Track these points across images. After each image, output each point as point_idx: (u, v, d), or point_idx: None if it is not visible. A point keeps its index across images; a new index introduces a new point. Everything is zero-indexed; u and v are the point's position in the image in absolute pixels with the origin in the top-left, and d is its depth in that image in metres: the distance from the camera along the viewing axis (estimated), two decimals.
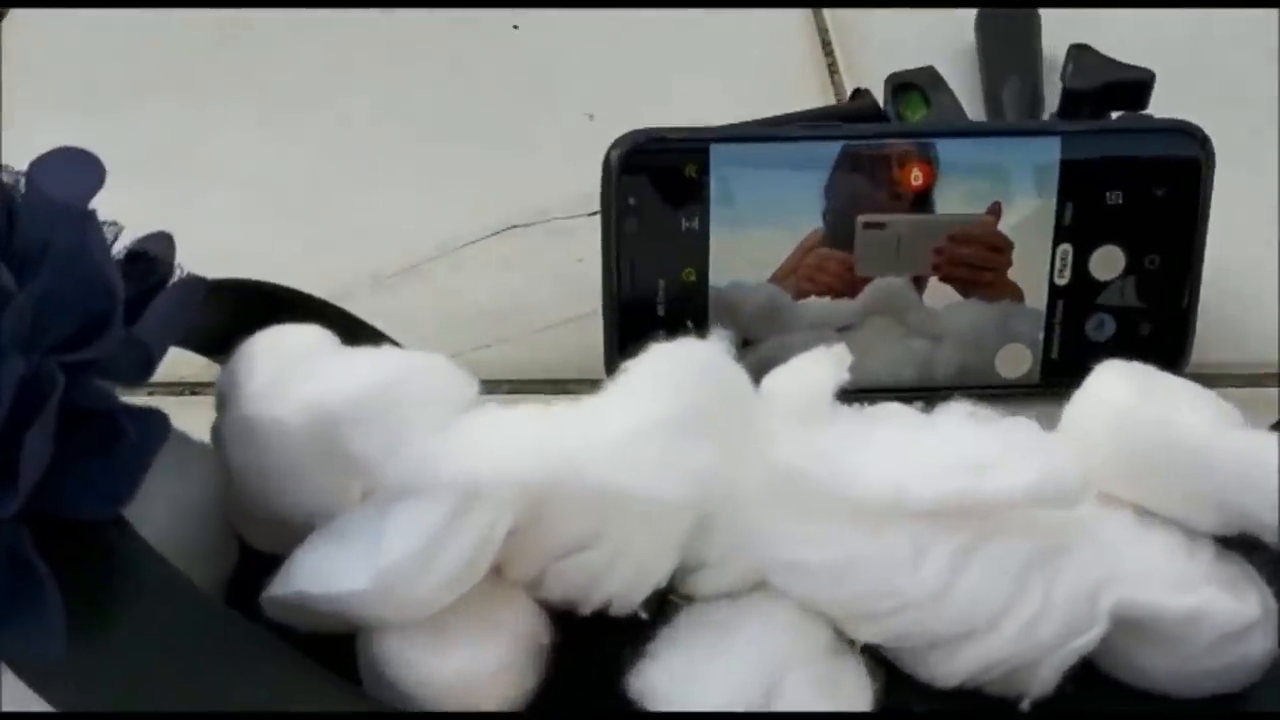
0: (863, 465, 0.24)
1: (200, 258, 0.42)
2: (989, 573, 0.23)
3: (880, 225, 0.37)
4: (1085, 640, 0.24)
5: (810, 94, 0.50)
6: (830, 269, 0.36)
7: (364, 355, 0.23)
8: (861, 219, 0.37)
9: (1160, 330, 0.38)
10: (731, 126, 0.36)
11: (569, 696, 0.25)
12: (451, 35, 0.53)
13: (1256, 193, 0.44)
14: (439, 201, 0.45)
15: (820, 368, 0.26)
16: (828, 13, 0.54)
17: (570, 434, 0.23)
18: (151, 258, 0.24)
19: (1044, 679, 0.24)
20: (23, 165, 0.25)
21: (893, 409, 0.27)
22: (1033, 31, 0.49)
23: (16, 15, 0.53)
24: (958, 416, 0.25)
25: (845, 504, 0.24)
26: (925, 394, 0.38)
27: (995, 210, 0.36)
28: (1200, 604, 0.23)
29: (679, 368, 0.23)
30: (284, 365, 0.23)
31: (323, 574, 0.23)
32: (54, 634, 0.21)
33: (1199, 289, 0.38)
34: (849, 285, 0.36)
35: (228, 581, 0.26)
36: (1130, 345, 0.38)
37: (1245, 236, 0.41)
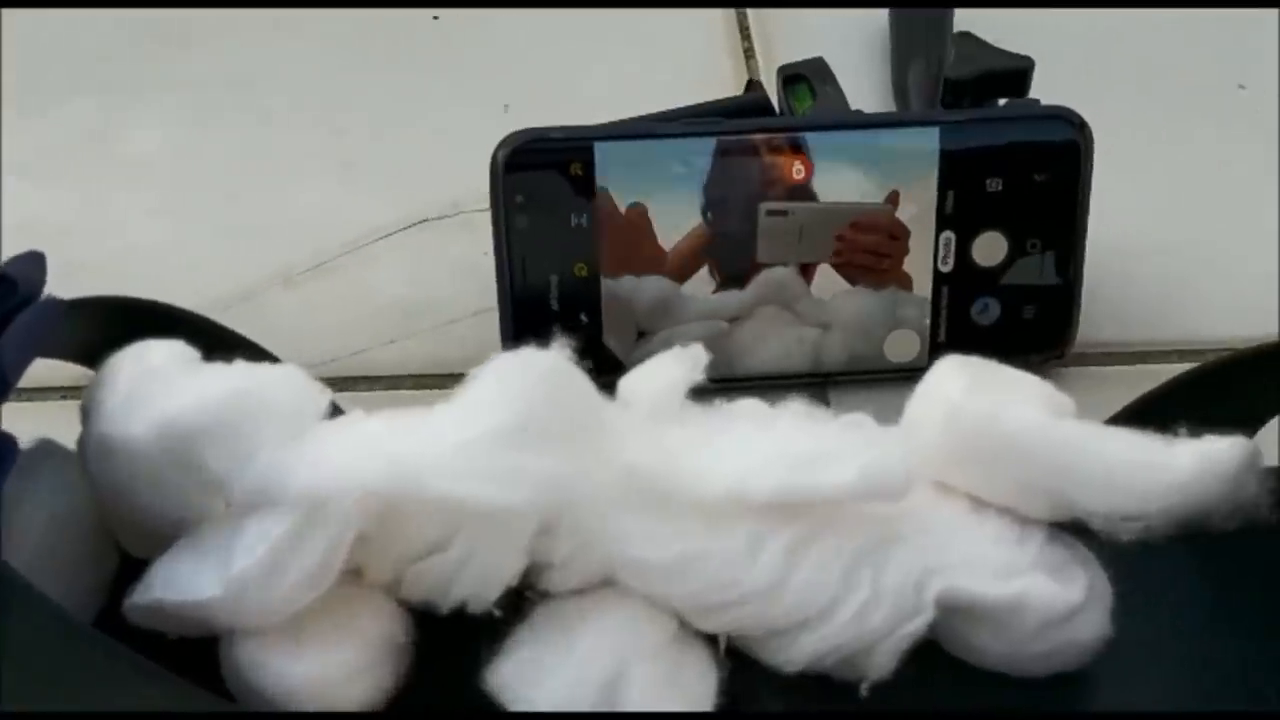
0: (705, 463, 0.25)
1: (113, 256, 0.43)
2: (820, 565, 0.24)
3: (782, 213, 0.38)
4: (913, 627, 0.25)
5: (728, 84, 0.51)
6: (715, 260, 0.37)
7: (214, 371, 0.24)
8: (764, 206, 0.37)
9: (1045, 312, 0.39)
10: (615, 124, 0.37)
11: (431, 695, 0.26)
12: (369, 26, 0.53)
13: (1139, 172, 0.45)
14: (352, 196, 0.45)
15: (673, 368, 0.27)
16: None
17: (413, 443, 0.24)
18: (12, 280, 0.25)
19: (880, 663, 0.25)
20: None
21: (746, 406, 0.28)
22: (943, 21, 0.50)
23: None
24: (796, 416, 0.26)
25: (687, 501, 0.25)
26: (818, 380, 0.40)
27: (894, 199, 0.37)
28: (1021, 591, 0.24)
29: (517, 376, 0.24)
30: (139, 383, 0.24)
31: (179, 582, 0.24)
32: None
33: (1082, 271, 0.38)
34: (737, 276, 0.37)
35: (110, 586, 0.27)
36: (1015, 328, 0.39)
37: (1129, 216, 0.42)
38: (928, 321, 0.38)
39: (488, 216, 0.38)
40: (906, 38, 0.48)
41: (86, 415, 0.25)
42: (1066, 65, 0.44)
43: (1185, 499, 0.24)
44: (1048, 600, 0.25)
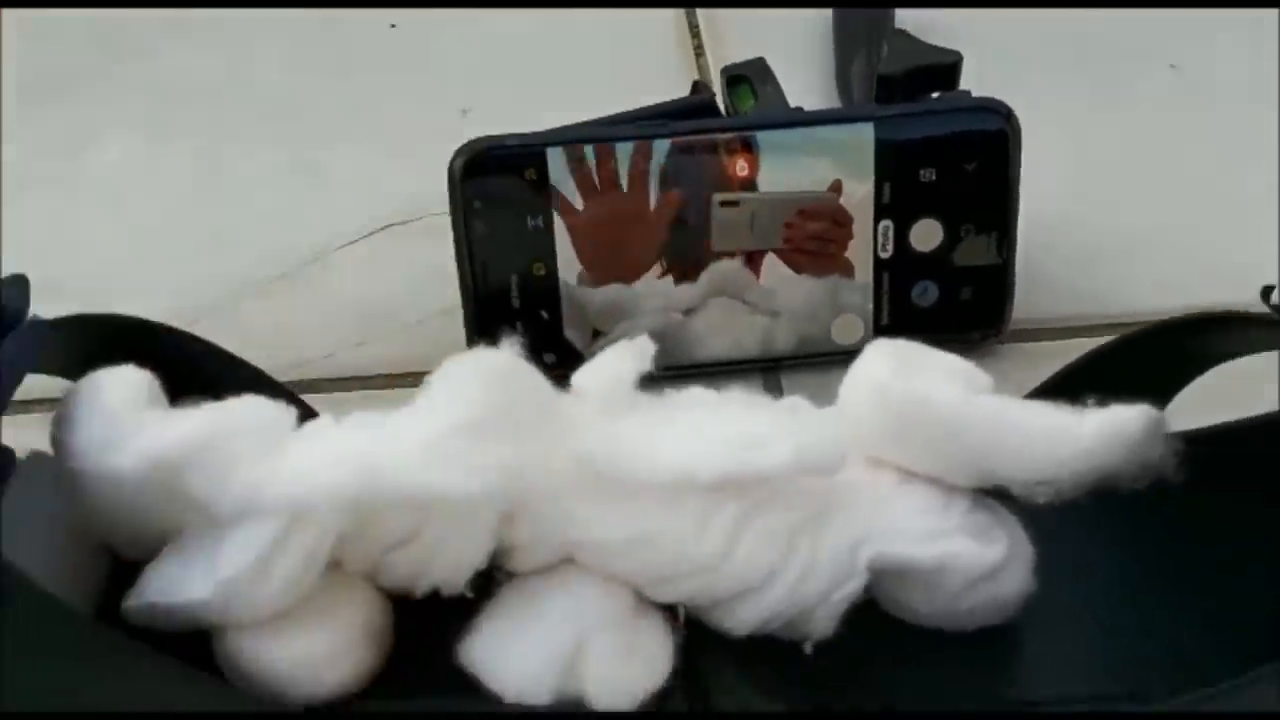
0: (654, 449, 0.27)
1: (81, 271, 0.44)
2: (762, 538, 0.27)
3: (734, 203, 0.40)
4: (847, 590, 0.27)
5: (680, 82, 0.53)
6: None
7: (197, 406, 0.26)
8: (717, 197, 0.40)
9: (980, 293, 0.41)
10: (566, 129, 0.39)
11: (412, 673, 0.28)
12: (328, 33, 0.55)
13: (1071, 154, 0.47)
14: (316, 202, 0.47)
15: (623, 361, 0.29)
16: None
17: (377, 445, 0.26)
18: (0, 306, 0.27)
19: (820, 624, 0.27)
20: None
21: (693, 394, 0.30)
22: (882, 20, 0.52)
23: None
24: (737, 403, 0.28)
25: (637, 485, 0.27)
26: (770, 365, 0.42)
27: (837, 187, 0.39)
28: (945, 553, 0.27)
29: (472, 375, 0.26)
30: (115, 417, 0.26)
31: (169, 588, 0.26)
32: None
33: (1014, 253, 0.41)
34: (691, 269, 0.39)
35: (104, 584, 0.29)
36: (954, 309, 0.41)
37: (1059, 198, 0.44)
38: (871, 306, 0.40)
39: (449, 220, 0.40)
40: (848, 36, 0.50)
41: (61, 443, 0.27)
42: (1002, 49, 0.46)
43: (1093, 463, 0.27)
44: (970, 560, 0.27)
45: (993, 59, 0.43)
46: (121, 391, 0.26)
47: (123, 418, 0.26)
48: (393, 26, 0.55)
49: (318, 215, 0.46)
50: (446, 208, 0.40)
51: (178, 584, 0.26)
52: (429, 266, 0.44)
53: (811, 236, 0.39)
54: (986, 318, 0.41)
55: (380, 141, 0.50)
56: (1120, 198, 0.47)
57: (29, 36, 0.55)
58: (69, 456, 0.27)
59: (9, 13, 0.56)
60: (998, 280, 0.40)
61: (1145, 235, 0.45)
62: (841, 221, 0.39)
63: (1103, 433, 0.27)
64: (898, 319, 0.40)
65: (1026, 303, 0.41)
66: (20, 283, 0.29)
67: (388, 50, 0.55)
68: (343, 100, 0.52)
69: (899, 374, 0.28)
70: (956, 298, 0.40)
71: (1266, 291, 0.30)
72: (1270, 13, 0.54)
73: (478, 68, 0.54)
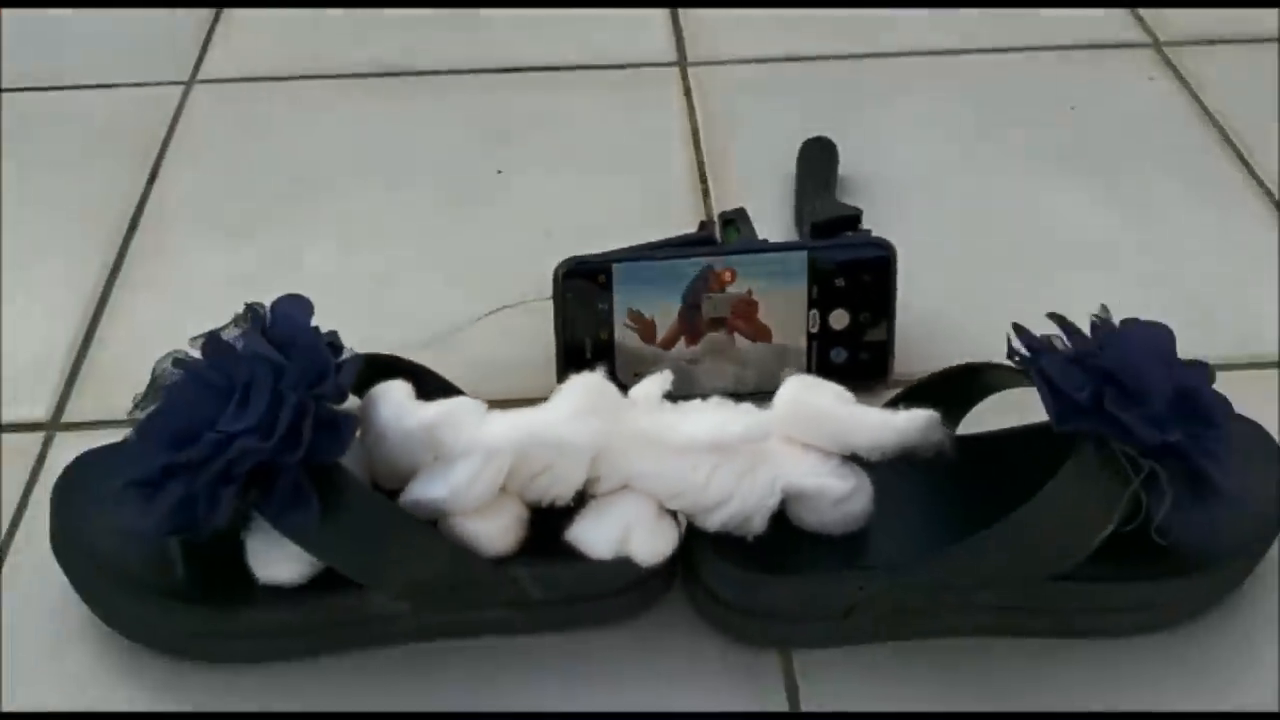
0: (674, 426, 0.52)
1: (332, 324, 0.68)
2: (725, 475, 0.51)
3: (721, 294, 0.65)
4: (770, 503, 0.51)
5: (694, 212, 0.78)
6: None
7: (441, 401, 0.52)
8: (705, 296, 0.64)
9: (873, 356, 0.65)
10: (624, 251, 0.64)
11: (542, 542, 0.53)
12: (457, 176, 0.81)
13: (945, 256, 0.73)
14: (451, 295, 0.73)
15: (655, 383, 0.54)
16: (705, 149, 0.83)
17: (533, 419, 0.51)
18: (339, 345, 0.52)
19: (756, 525, 0.52)
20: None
21: (694, 404, 0.54)
22: (831, 157, 0.78)
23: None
24: (717, 406, 0.53)
25: (665, 444, 0.52)
26: (744, 396, 0.66)
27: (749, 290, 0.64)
28: (820, 483, 0.51)
29: (580, 386, 0.51)
30: (400, 404, 0.52)
31: (424, 490, 0.51)
32: (310, 514, 0.49)
33: (894, 330, 0.65)
34: (693, 337, 0.64)
35: None
36: (856, 365, 0.66)
37: (934, 287, 0.69)
38: (805, 362, 0.65)
39: (546, 304, 0.65)
40: (803, 174, 0.76)
41: (366, 417, 0.52)
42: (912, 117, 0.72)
43: (899, 441, 0.51)
44: (834, 487, 0.51)
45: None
46: (402, 390, 0.52)
47: (407, 403, 0.51)
48: (499, 172, 0.82)
49: (459, 298, 0.72)
50: (545, 295, 0.65)
51: (428, 489, 0.51)
52: (532, 335, 0.68)
53: (740, 317, 0.64)
54: (877, 372, 0.66)
55: (499, 251, 0.75)
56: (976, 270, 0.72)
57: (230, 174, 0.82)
58: (373, 424, 0.52)
59: None
60: (882, 349, 0.65)
61: (982, 303, 0.70)
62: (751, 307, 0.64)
63: (904, 424, 0.51)
64: (823, 370, 0.65)
65: (901, 361, 0.66)
66: (336, 335, 0.54)
67: (498, 189, 0.81)
68: (472, 221, 0.78)
69: (801, 391, 0.53)
70: (858, 359, 0.65)
71: (1010, 351, 0.54)
72: None
73: (556, 202, 0.80)
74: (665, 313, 0.63)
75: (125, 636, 0.54)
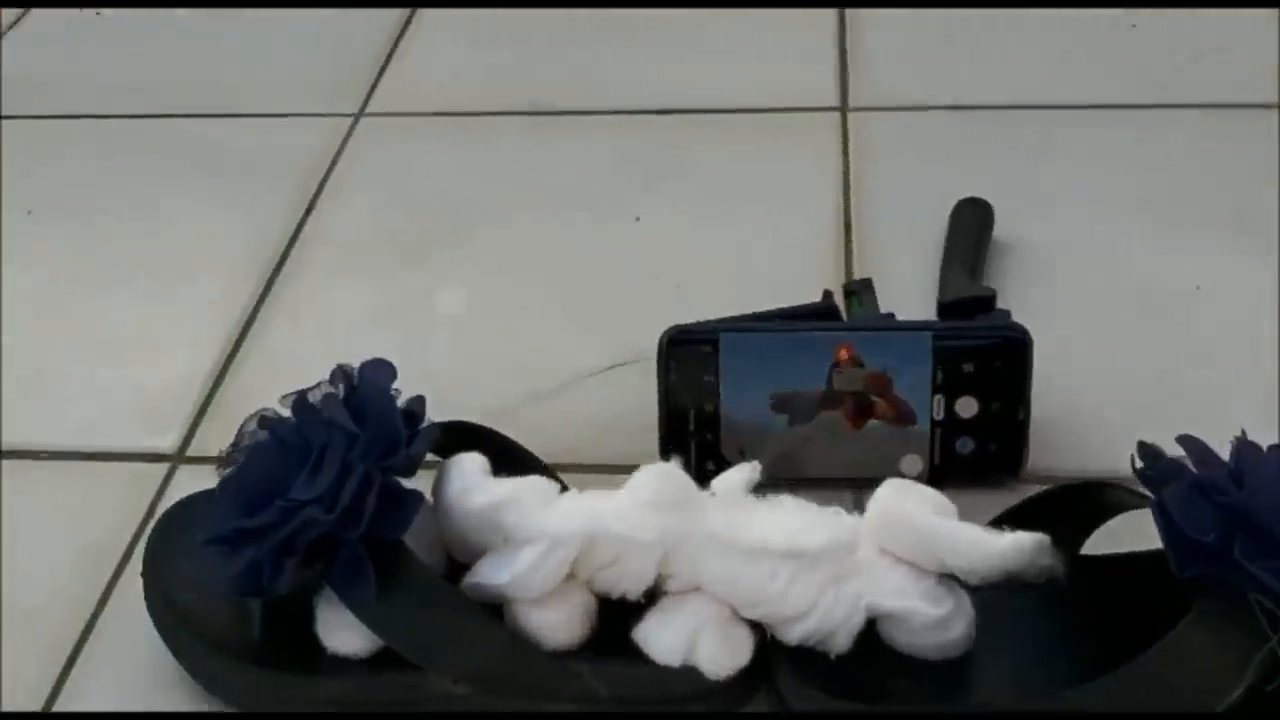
0: (750, 529, 0.48)
1: (423, 388, 0.67)
2: (806, 586, 0.47)
3: (840, 371, 0.60)
4: (855, 622, 0.47)
5: (833, 275, 0.74)
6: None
7: (510, 480, 0.50)
8: (836, 371, 0.60)
9: (1003, 448, 0.60)
10: (732, 319, 0.60)
11: (609, 637, 0.50)
12: (592, 223, 0.80)
13: (1077, 350, 0.66)
14: (575, 344, 0.71)
15: (741, 474, 0.50)
16: (854, 206, 0.78)
17: (601, 508, 0.48)
18: (416, 414, 0.51)
19: (840, 642, 0.48)
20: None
21: (783, 499, 0.50)
22: (985, 222, 0.72)
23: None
24: (802, 507, 0.49)
25: (740, 547, 0.48)
26: (858, 483, 0.62)
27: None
28: (905, 606, 0.46)
29: (655, 476, 0.48)
30: (468, 478, 0.50)
31: (487, 574, 0.49)
32: (369, 589, 0.48)
33: (1029, 422, 0.59)
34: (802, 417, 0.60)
35: (444, 573, 0.53)
36: (984, 457, 0.60)
37: (1081, 370, 0.62)
38: (927, 450, 0.60)
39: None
40: (949, 255, 0.70)
41: (439, 490, 0.50)
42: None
43: (1003, 565, 0.46)
44: (923, 612, 0.47)
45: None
46: (474, 464, 0.50)
47: (475, 480, 0.49)
48: (637, 219, 0.79)
49: (574, 353, 0.70)
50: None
51: (491, 574, 0.49)
52: (643, 396, 0.66)
53: (875, 394, 0.59)
54: (1009, 466, 0.60)
55: (625, 305, 0.73)
56: (1119, 378, 0.65)
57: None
58: (442, 498, 0.50)
59: None
60: (1016, 440, 0.59)
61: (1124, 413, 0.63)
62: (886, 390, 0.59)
63: (1009, 547, 0.46)
64: (945, 461, 0.60)
65: (1036, 456, 0.60)
66: (420, 400, 0.53)
67: (636, 235, 0.79)
68: (605, 269, 0.76)
69: (895, 500, 0.48)
70: (987, 449, 0.60)
71: (1136, 469, 0.48)
72: None
73: (690, 255, 0.77)
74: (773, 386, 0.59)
75: (196, 681, 0.54)
